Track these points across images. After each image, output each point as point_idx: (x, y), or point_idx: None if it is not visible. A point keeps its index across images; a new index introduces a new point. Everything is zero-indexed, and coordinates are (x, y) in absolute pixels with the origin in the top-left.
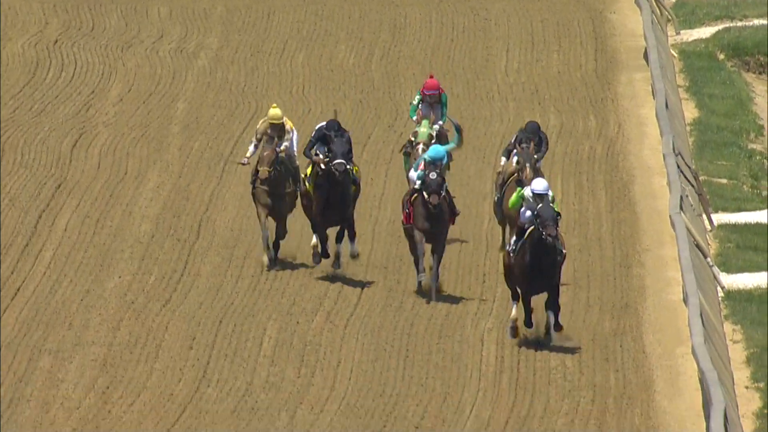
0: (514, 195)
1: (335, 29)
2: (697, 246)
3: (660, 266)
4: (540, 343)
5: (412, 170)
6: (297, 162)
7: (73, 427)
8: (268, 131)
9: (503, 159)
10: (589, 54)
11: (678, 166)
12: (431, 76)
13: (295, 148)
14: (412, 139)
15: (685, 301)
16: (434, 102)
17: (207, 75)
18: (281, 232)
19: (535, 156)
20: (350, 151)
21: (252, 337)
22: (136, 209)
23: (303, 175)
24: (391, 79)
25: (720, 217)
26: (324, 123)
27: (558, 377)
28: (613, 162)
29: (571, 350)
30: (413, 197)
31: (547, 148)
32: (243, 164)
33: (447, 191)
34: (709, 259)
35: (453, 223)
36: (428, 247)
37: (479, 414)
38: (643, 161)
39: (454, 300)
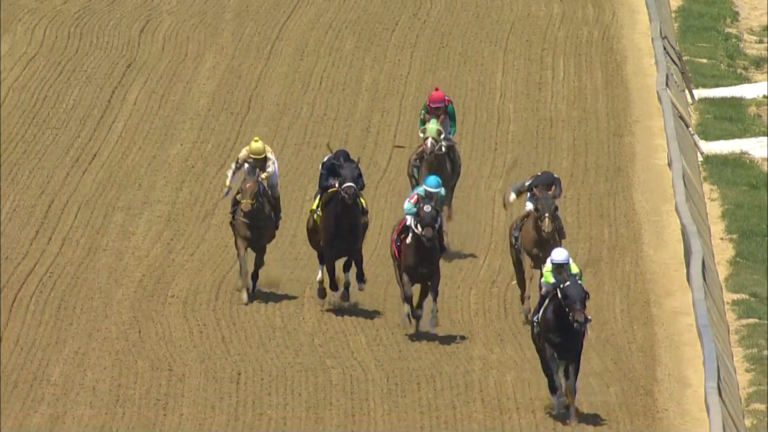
0: (545, 275)
1: None
2: (681, 117)
3: (648, 135)
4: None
5: (406, 202)
6: (278, 192)
7: (142, 273)
8: (249, 161)
9: (512, 195)
10: None
11: (664, 48)
12: (437, 89)
13: (276, 178)
14: (421, 135)
15: (670, 165)
16: (441, 113)
17: None
18: (259, 263)
19: (555, 202)
20: (360, 176)
21: (295, 198)
22: (195, 86)
23: (311, 208)
24: None
25: (700, 92)
26: (331, 155)
27: None
28: (608, 45)
29: (571, 207)
30: (403, 235)
31: (561, 192)
32: (225, 196)
33: (440, 227)
34: (690, 129)
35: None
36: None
37: (491, 263)
38: (634, 44)
39: (469, 164)
